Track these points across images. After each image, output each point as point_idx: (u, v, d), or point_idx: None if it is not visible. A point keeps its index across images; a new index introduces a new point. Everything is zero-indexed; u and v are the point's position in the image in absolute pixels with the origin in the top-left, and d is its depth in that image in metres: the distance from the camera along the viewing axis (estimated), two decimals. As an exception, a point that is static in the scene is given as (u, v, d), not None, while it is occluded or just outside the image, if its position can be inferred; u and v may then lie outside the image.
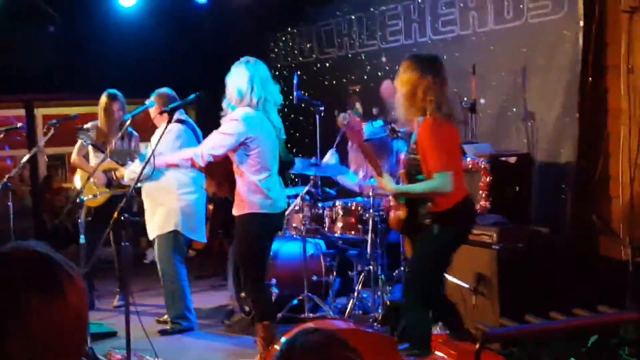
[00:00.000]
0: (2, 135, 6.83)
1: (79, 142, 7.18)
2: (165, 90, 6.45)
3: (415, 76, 4.46)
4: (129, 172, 5.92)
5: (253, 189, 5.10)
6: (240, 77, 5.12)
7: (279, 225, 5.59)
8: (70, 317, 1.46)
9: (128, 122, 6.31)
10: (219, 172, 5.34)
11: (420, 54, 5.26)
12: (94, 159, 7.06)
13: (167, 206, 6.26)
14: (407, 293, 4.84)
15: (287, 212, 6.32)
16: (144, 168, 5.04)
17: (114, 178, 6.93)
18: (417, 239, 4.69)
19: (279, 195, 5.26)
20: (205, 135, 6.69)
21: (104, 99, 7.10)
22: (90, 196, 6.97)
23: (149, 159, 5.16)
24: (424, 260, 4.63)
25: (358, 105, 7.78)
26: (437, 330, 5.17)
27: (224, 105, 5.31)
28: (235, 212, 5.21)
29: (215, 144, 5.07)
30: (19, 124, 7.51)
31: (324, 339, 1.66)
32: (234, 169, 5.19)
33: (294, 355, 1.63)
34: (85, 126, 6.74)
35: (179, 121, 6.22)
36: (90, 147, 7.10)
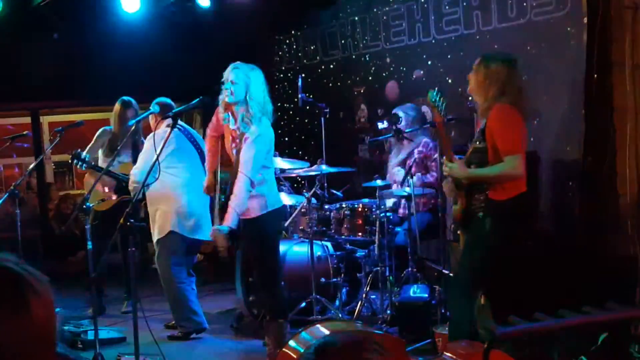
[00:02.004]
0: (8, 143, 6.86)
1: (87, 146, 7.23)
2: (165, 99, 6.51)
3: (504, 69, 4.55)
4: (132, 182, 6.06)
5: (273, 188, 5.40)
6: (261, 84, 5.18)
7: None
8: (36, 330, 1.47)
9: (132, 128, 6.37)
10: None
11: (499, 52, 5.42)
12: (102, 163, 7.08)
13: (163, 208, 6.31)
14: (452, 289, 4.82)
15: (294, 214, 6.37)
16: (147, 176, 5.06)
17: (123, 185, 6.98)
18: (469, 233, 4.66)
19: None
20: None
21: (117, 105, 7.23)
22: (97, 201, 7.01)
23: (153, 166, 5.18)
24: (472, 259, 4.60)
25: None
26: (445, 329, 5.16)
27: (220, 106, 5.31)
28: (255, 214, 5.25)
29: (258, 165, 5.12)
30: (26, 132, 7.54)
31: (356, 336, 1.67)
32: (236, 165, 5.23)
33: (330, 354, 1.63)
34: (78, 151, 6.80)
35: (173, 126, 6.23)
36: (99, 152, 7.14)
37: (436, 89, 4.57)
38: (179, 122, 6.28)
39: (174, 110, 5.35)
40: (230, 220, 5.03)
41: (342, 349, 1.66)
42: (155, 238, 6.41)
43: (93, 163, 6.88)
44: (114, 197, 7.11)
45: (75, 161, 6.72)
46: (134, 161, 6.93)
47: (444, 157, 4.67)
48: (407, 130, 6.48)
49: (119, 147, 6.46)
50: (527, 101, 4.61)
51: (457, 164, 4.53)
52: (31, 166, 6.66)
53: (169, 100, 6.55)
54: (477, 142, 4.55)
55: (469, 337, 4.16)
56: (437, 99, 4.47)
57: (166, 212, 6.30)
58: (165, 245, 6.37)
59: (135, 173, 6.22)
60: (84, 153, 6.84)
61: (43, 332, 1.50)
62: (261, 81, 5.19)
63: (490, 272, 4.58)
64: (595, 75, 5.56)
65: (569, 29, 5.78)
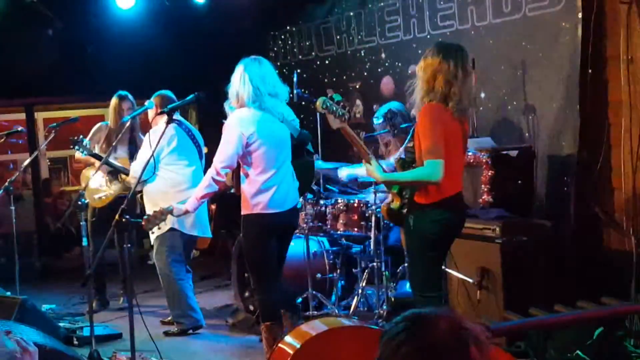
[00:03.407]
0: (2, 140, 6.85)
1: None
2: (164, 92, 6.51)
3: (437, 61, 4.30)
4: (130, 176, 6.05)
5: (257, 190, 5.06)
6: (234, 76, 5.13)
7: (291, 223, 5.39)
8: None
9: (128, 124, 6.35)
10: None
11: (446, 41, 5.18)
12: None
13: (163, 206, 6.26)
14: (411, 288, 4.81)
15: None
16: (143, 171, 5.08)
17: (120, 179, 6.99)
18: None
19: (287, 193, 5.18)
20: (204, 135, 6.74)
21: (114, 99, 7.22)
22: (94, 198, 7.01)
23: (148, 161, 5.18)
24: (410, 254, 4.60)
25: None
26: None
27: (225, 107, 5.33)
28: (242, 211, 5.19)
29: (223, 157, 5.01)
30: (20, 128, 7.52)
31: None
32: (240, 168, 5.16)
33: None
34: (80, 137, 6.76)
35: (172, 121, 6.22)
36: (96, 147, 7.13)
37: (328, 95, 4.37)
38: (178, 117, 6.30)
39: (169, 106, 5.34)
40: (188, 203, 5.10)
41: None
42: (154, 235, 6.39)
43: (93, 151, 6.83)
44: (111, 187, 7.09)
45: (76, 147, 6.67)
46: (131, 156, 6.93)
47: (363, 159, 4.48)
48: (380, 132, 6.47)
49: (115, 143, 6.44)
50: (463, 95, 4.29)
51: (372, 166, 4.37)
52: (26, 162, 6.66)
53: (169, 93, 6.52)
54: (411, 142, 4.51)
55: None
56: (329, 104, 4.20)
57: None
58: (164, 242, 6.36)
59: (136, 169, 6.22)
60: (86, 140, 6.79)
61: None
62: (236, 72, 5.13)
63: (428, 270, 4.48)
64: (590, 70, 5.56)
65: (563, 24, 5.78)
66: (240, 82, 5.08)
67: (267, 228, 5.13)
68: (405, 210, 4.48)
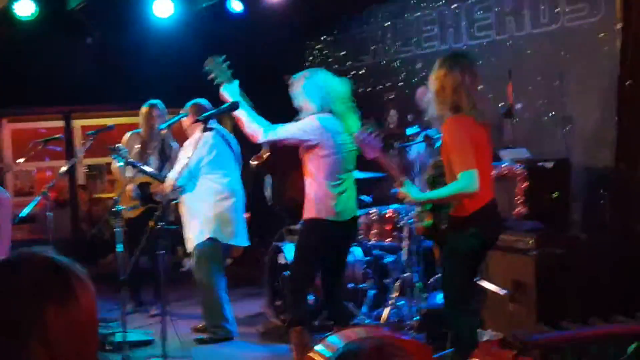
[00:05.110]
0: (41, 147, 6.93)
1: None
2: (199, 100, 6.52)
3: (443, 72, 4.32)
4: (167, 184, 6.07)
5: (323, 194, 5.07)
6: (300, 87, 5.17)
7: (349, 234, 5.39)
8: (85, 319, 1.47)
9: (164, 132, 6.38)
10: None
11: (451, 51, 5.17)
12: (130, 171, 7.13)
13: (203, 215, 6.27)
14: (444, 301, 4.78)
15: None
16: (179, 176, 5.10)
17: (150, 193, 7.03)
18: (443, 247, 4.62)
19: (347, 204, 5.18)
20: (240, 142, 6.73)
21: (144, 108, 7.27)
22: (127, 207, 7.06)
23: (183, 168, 5.20)
24: (449, 269, 4.56)
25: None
26: (487, 337, 5.11)
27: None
28: (304, 215, 5.18)
29: (288, 130, 5.04)
30: (58, 135, 7.60)
31: (377, 344, 1.65)
32: (305, 171, 5.15)
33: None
34: (118, 145, 6.79)
35: (209, 130, 6.23)
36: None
37: (364, 127, 4.45)
38: (215, 125, 6.33)
39: (204, 115, 5.37)
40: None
41: (367, 355, 1.64)
42: (192, 244, 6.40)
43: (130, 159, 6.87)
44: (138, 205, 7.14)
45: (114, 156, 6.68)
46: (161, 167, 6.96)
47: (395, 183, 4.49)
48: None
49: (149, 152, 6.47)
50: (482, 103, 4.35)
51: (407, 188, 4.37)
52: (63, 169, 6.72)
53: (205, 101, 6.50)
54: (438, 157, 4.49)
55: (472, 347, 4.11)
56: (367, 133, 4.38)
57: (207, 218, 6.29)
58: (204, 252, 6.34)
59: (172, 177, 6.21)
60: (123, 147, 6.81)
61: (92, 324, 1.50)
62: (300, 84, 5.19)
63: (465, 284, 4.48)
64: (629, 82, 5.49)
65: (601, 34, 5.73)
66: (300, 93, 5.15)
67: (324, 236, 5.13)
68: (441, 226, 4.46)
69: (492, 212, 4.42)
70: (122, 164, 6.86)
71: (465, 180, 4.13)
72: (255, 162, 5.54)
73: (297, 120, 5.18)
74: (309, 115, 5.11)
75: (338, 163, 5.09)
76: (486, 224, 4.34)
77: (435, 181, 4.55)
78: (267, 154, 5.47)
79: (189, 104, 6.52)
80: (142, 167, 6.43)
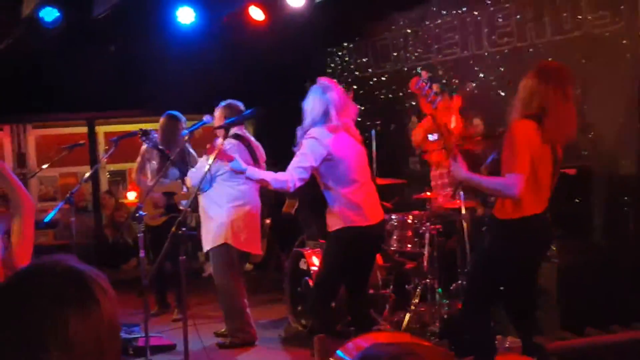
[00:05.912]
0: (65, 152, 7.00)
1: (139, 159, 7.35)
2: (232, 101, 6.49)
3: (534, 82, 4.22)
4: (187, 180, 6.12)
5: (345, 202, 5.09)
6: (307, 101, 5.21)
7: (377, 238, 5.40)
8: (107, 327, 1.49)
9: (186, 138, 6.40)
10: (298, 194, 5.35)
11: (549, 61, 5.07)
12: (151, 180, 7.18)
13: (218, 220, 6.31)
14: (464, 302, 4.76)
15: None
16: (201, 182, 5.13)
17: (174, 202, 7.09)
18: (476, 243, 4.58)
19: (370, 207, 5.19)
20: (264, 147, 6.75)
21: (163, 119, 7.30)
22: (150, 215, 7.11)
23: (205, 174, 5.23)
24: (476, 271, 4.54)
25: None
26: (508, 343, 5.09)
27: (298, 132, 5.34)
28: (329, 227, 5.20)
29: (301, 167, 5.00)
30: (82, 142, 7.68)
31: (397, 350, 1.67)
32: (321, 184, 5.18)
33: None
34: (149, 129, 6.77)
35: (236, 136, 6.26)
36: (147, 168, 7.22)
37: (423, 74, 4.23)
38: (243, 130, 6.36)
39: (226, 121, 5.40)
40: (253, 169, 5.14)
41: None
42: (207, 246, 6.44)
43: (161, 146, 6.85)
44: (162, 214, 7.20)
45: (143, 138, 6.64)
46: (182, 176, 7.00)
47: (449, 154, 4.32)
48: None
49: (171, 158, 6.48)
50: (560, 122, 4.16)
51: (459, 164, 4.24)
52: (87, 175, 6.78)
53: (237, 103, 6.47)
54: (498, 154, 4.46)
55: (490, 352, 4.10)
56: (427, 84, 4.17)
57: (222, 223, 6.33)
58: (221, 257, 6.37)
59: (193, 176, 6.23)
60: (153, 132, 6.78)
61: (114, 326, 1.53)
62: (310, 97, 5.24)
63: (487, 289, 4.42)
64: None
65: (624, 41, 5.71)
66: (311, 105, 5.19)
67: (356, 242, 5.13)
68: (484, 228, 4.44)
69: (535, 224, 4.29)
70: (149, 147, 6.85)
71: (509, 181, 4.09)
72: (287, 212, 5.59)
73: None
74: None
75: (352, 168, 5.12)
76: (519, 235, 4.25)
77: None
78: (296, 205, 5.50)
79: (221, 104, 6.51)
80: (168, 155, 6.43)
